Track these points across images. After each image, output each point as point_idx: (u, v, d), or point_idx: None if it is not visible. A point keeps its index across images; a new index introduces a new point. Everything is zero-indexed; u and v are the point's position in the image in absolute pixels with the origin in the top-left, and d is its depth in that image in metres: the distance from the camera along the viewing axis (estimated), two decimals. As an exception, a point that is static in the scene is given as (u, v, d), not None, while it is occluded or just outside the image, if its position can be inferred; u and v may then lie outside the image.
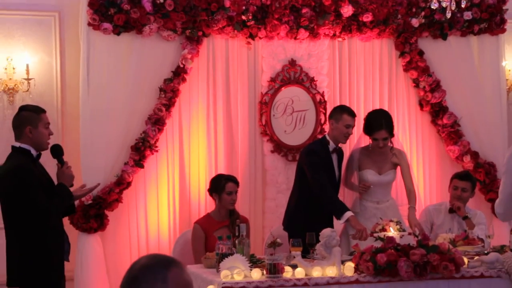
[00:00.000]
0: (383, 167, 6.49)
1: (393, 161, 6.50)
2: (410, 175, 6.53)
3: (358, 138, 6.76)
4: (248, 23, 6.90)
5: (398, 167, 6.53)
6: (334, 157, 6.42)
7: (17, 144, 5.13)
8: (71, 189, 5.37)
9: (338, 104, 7.03)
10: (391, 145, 6.48)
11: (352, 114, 6.38)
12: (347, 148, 6.85)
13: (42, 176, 5.17)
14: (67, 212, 5.61)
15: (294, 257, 5.23)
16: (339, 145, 6.48)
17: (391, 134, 6.39)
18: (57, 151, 5.38)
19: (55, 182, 5.30)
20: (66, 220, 6.36)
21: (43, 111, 5.24)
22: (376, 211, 6.38)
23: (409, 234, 5.92)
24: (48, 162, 5.44)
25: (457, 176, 6.68)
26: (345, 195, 6.66)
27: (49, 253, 5.09)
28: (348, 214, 6.00)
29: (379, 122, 6.34)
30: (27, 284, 5.07)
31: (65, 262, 5.37)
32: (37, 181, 5.04)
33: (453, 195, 6.61)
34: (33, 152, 5.13)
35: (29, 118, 5.14)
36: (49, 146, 5.32)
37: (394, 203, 6.53)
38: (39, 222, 5.04)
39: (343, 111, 6.38)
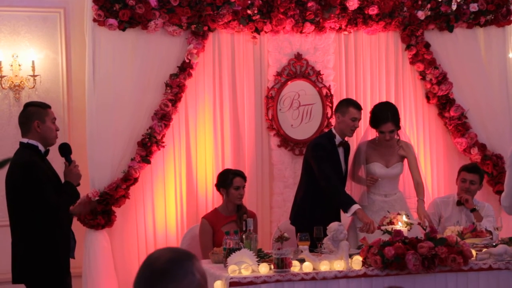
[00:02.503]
0: (390, 160, 6.47)
1: (400, 154, 6.49)
2: (418, 168, 6.51)
3: (365, 131, 6.75)
4: (254, 18, 6.89)
5: (405, 160, 6.52)
6: (341, 150, 6.41)
7: (25, 140, 5.15)
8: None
9: (344, 97, 7.01)
10: (398, 137, 6.46)
11: (358, 107, 6.37)
12: (354, 142, 6.83)
13: (50, 172, 5.18)
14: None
15: (302, 251, 5.23)
16: (346, 139, 6.47)
17: (397, 126, 6.37)
18: (65, 150, 5.39)
19: (62, 181, 5.31)
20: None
21: (48, 106, 5.28)
22: (384, 204, 6.36)
23: (418, 223, 5.92)
24: (54, 160, 5.45)
25: (465, 169, 6.66)
26: (352, 189, 6.64)
27: (55, 250, 5.10)
28: (355, 207, 5.99)
29: (385, 115, 6.33)
30: (32, 280, 5.08)
31: (72, 259, 5.38)
32: (46, 177, 5.06)
33: (461, 188, 6.59)
34: (41, 148, 5.15)
35: (37, 112, 5.16)
36: (57, 143, 5.34)
37: (401, 196, 6.52)
38: (48, 218, 5.05)
39: (349, 104, 6.37)
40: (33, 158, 5.06)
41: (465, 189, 6.56)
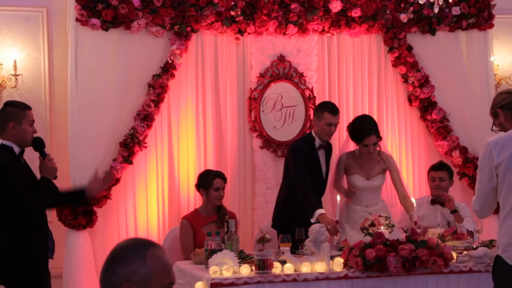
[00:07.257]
0: (371, 172, 6.39)
1: (381, 167, 6.43)
2: (401, 180, 6.46)
3: (346, 139, 6.68)
4: (237, 19, 6.89)
5: (387, 172, 6.48)
6: (321, 153, 6.36)
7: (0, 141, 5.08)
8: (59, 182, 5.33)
9: (327, 99, 7.03)
10: (379, 148, 6.42)
11: (333, 112, 6.26)
12: (336, 143, 6.84)
13: (25, 173, 5.11)
14: (81, 202, 5.64)
15: (283, 253, 5.22)
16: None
17: (379, 137, 6.33)
18: (38, 144, 5.31)
19: (38, 178, 5.26)
20: (54, 217, 6.37)
21: (28, 107, 5.18)
22: (365, 214, 6.23)
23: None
24: (35, 160, 5.41)
25: (432, 168, 6.69)
26: (334, 200, 6.54)
27: (33, 251, 5.04)
28: (318, 212, 5.88)
29: (368, 128, 6.24)
30: (11, 282, 5.02)
31: (52, 260, 5.34)
32: (20, 178, 4.98)
33: (432, 187, 6.60)
34: (16, 149, 5.07)
35: (14, 113, 5.08)
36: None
37: (384, 206, 6.43)
38: (24, 219, 4.99)
39: (324, 109, 6.27)
40: (7, 160, 4.98)
41: (435, 187, 6.58)
